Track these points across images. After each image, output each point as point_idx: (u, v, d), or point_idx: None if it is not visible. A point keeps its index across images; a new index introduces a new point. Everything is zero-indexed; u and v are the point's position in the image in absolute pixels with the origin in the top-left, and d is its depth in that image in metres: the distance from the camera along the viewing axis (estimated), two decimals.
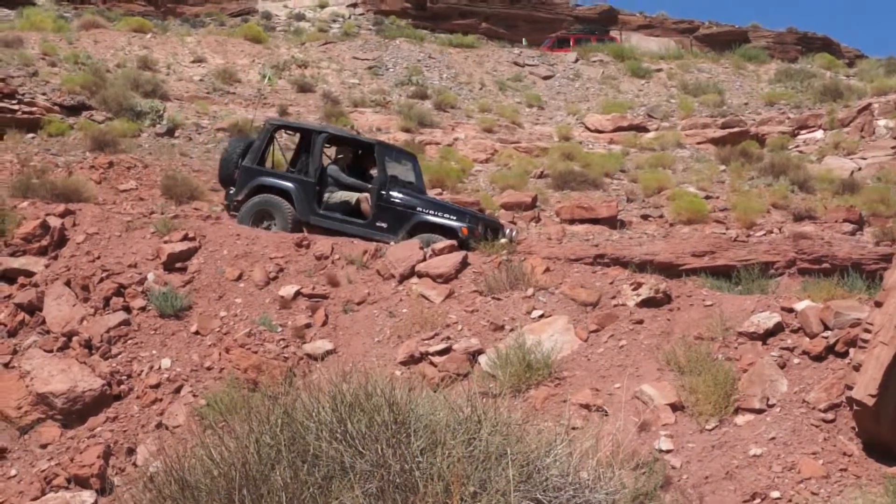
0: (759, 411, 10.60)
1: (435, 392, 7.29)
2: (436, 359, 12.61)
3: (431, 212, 16.53)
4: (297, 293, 14.41)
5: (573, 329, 12.67)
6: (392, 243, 15.55)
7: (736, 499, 9.55)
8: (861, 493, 9.25)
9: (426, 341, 12.92)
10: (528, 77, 39.14)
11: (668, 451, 10.27)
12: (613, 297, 13.15)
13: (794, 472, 9.68)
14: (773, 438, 10.17)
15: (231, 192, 17.28)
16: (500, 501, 5.49)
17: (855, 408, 9.71)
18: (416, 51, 39.81)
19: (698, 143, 32.66)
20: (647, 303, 12.83)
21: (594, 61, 41.33)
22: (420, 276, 14.42)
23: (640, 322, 12.51)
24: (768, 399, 10.68)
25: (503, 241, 16.37)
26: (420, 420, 6.09)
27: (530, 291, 13.57)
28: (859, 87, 36.70)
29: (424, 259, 14.64)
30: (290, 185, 16.88)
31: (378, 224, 16.38)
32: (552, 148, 30.40)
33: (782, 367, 11.07)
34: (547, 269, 14.05)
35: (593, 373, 11.82)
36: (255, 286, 14.66)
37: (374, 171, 17.49)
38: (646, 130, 33.88)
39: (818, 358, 11.06)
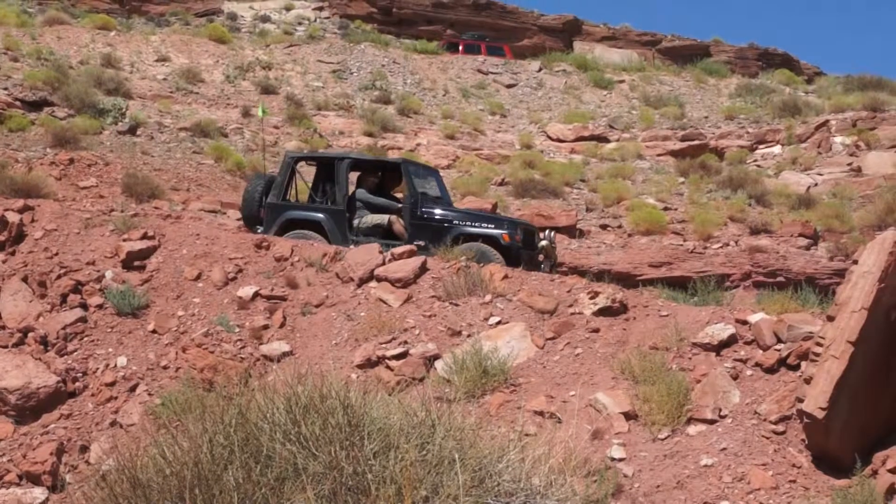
0: (712, 422, 10.70)
1: (390, 396, 7.32)
2: (392, 363, 12.63)
3: (469, 223, 16.30)
4: (256, 294, 14.40)
5: (530, 336, 12.73)
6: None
7: None
8: None
9: (383, 345, 12.95)
10: (492, 85, 39.27)
11: (621, 460, 10.35)
12: (570, 306, 13.22)
13: (744, 483, 9.78)
14: (725, 449, 10.27)
15: (259, 230, 16.86)
16: None
17: (805, 420, 9.83)
18: (380, 56, 39.84)
19: (658, 155, 32.91)
20: (603, 312, 12.91)
21: (557, 71, 41.50)
22: (379, 280, 14.43)
23: (597, 331, 12.59)
24: (720, 410, 10.79)
25: (543, 243, 16.47)
26: (374, 423, 6.11)
27: (488, 298, 13.62)
28: (817, 104, 37.05)
29: (383, 263, 14.66)
30: (320, 215, 16.60)
31: (416, 242, 15.79)
32: (513, 156, 30.55)
33: (735, 378, 11.18)
34: (505, 276, 14.11)
35: (548, 380, 11.89)
36: (213, 286, 14.64)
37: (396, 192, 17.47)
38: (607, 141, 34.08)
39: (770, 370, 11.18)
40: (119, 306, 14.07)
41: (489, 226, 16.23)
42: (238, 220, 18.90)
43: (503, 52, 44.17)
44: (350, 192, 16.93)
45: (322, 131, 29.87)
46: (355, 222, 16.56)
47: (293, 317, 14.10)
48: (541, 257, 16.65)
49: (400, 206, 16.64)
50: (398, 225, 16.41)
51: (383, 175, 17.39)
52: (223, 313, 14.01)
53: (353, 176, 17.54)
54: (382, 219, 16.56)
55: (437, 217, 16.31)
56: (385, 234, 16.39)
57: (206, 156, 25.25)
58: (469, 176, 27.46)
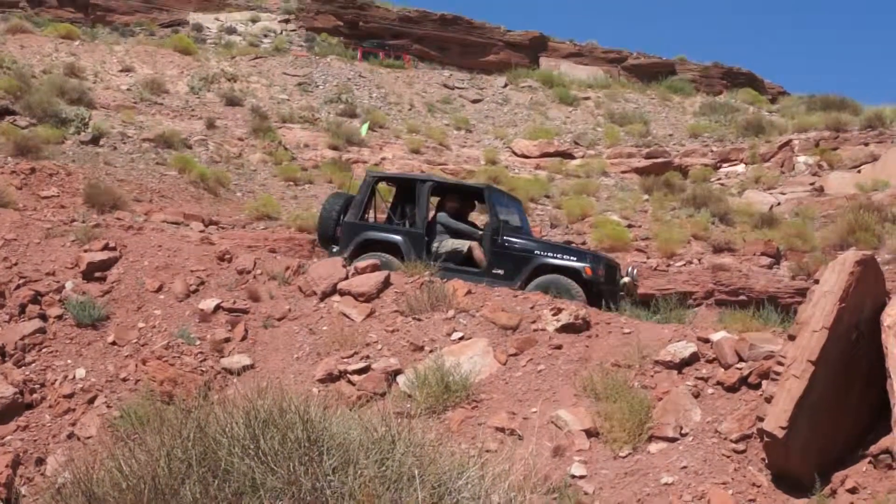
0: (673, 440, 10.71)
1: (351, 411, 7.27)
2: (354, 377, 12.58)
3: (551, 254, 15.72)
4: (218, 307, 14.31)
5: (492, 352, 12.70)
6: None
7: None
8: None
9: (345, 360, 12.89)
10: (458, 100, 39.36)
11: (582, 477, 10.33)
12: (534, 322, 13.20)
13: (704, 502, 9.78)
14: (685, 467, 10.27)
15: (334, 250, 16.51)
16: None
17: (766, 439, 9.84)
18: (346, 69, 39.83)
19: (623, 172, 33.08)
20: (566, 328, 12.90)
21: (523, 87, 41.63)
22: (342, 294, 14.38)
23: (559, 347, 12.58)
24: (682, 428, 10.79)
25: (625, 280, 16.03)
26: (334, 438, 6.07)
27: (451, 313, 13.59)
28: (781, 124, 37.35)
29: (347, 277, 14.60)
30: (398, 238, 16.15)
31: (495, 271, 15.54)
32: (479, 171, 30.57)
33: (696, 396, 11.19)
34: (468, 292, 14.08)
35: (510, 396, 11.86)
36: (175, 298, 14.53)
37: (472, 217, 17.18)
38: (572, 157, 34.21)
39: (732, 389, 11.19)
40: (79, 317, 13.94)
41: (571, 258, 15.66)
42: (201, 231, 18.77)
43: (402, 58, 44.11)
44: (430, 216, 16.55)
45: (287, 144, 29.78)
46: (434, 246, 16.06)
47: (255, 330, 14.02)
48: (622, 293, 16.15)
49: (480, 232, 16.22)
50: (478, 251, 15.95)
51: (464, 200, 17.00)
52: (184, 326, 13.91)
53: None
54: (462, 244, 16.11)
55: (517, 246, 15.78)
56: (464, 261, 16.01)
57: (169, 167, 25.12)
58: None
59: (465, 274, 15.28)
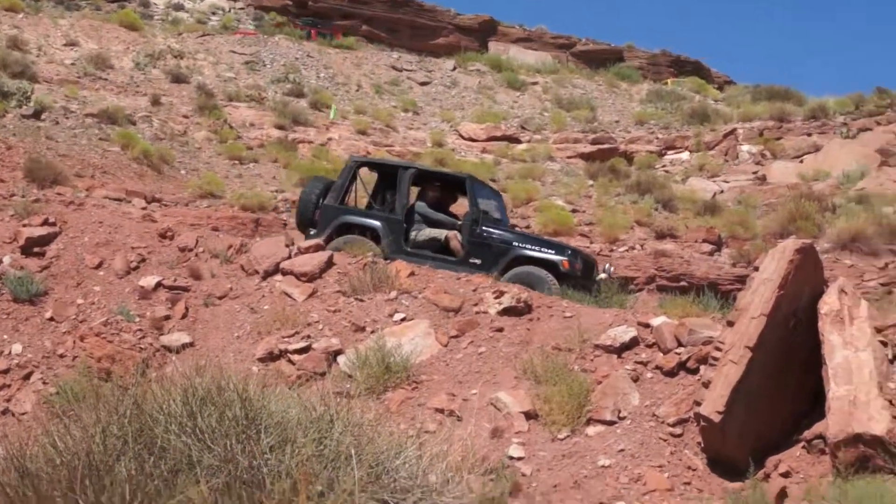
0: (611, 423, 10.78)
1: (291, 390, 7.25)
2: (295, 357, 12.55)
3: (528, 246, 15.67)
4: (158, 284, 14.20)
5: (434, 334, 12.72)
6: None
7: None
8: None
9: (286, 339, 12.86)
10: (406, 82, 39.28)
11: (520, 459, 10.37)
12: (476, 305, 13.23)
13: (640, 484, 9.86)
14: (623, 450, 10.34)
15: (312, 233, 16.33)
16: (347, 501, 5.48)
17: (702, 423, 9.93)
18: (294, 48, 39.60)
19: (568, 157, 33.18)
20: (508, 311, 12.94)
21: (472, 70, 41.61)
22: (284, 273, 14.32)
23: (501, 330, 12.62)
24: (620, 411, 10.87)
25: (602, 276, 15.95)
26: (272, 417, 6.05)
27: (394, 294, 13.59)
28: (726, 112, 37.64)
29: (289, 257, 14.55)
30: (376, 223, 16.05)
31: (472, 261, 15.42)
32: (425, 153, 30.54)
33: (635, 380, 11.27)
34: (412, 274, 14.08)
35: (451, 378, 11.89)
36: (115, 275, 14.41)
37: (453, 208, 17.05)
38: (518, 142, 34.27)
39: (670, 373, 11.28)
40: (16, 293, 13.77)
41: (549, 251, 15.59)
42: (143, 208, 18.61)
43: (332, 37, 43.72)
44: (410, 203, 16.41)
45: (232, 122, 29.59)
46: (412, 234, 16.05)
47: (196, 308, 13.94)
48: (598, 290, 15.86)
49: (459, 222, 16.12)
50: (455, 241, 15.85)
51: (445, 189, 16.90)
52: (124, 303, 13.80)
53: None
54: (440, 233, 16.06)
55: (495, 237, 15.73)
56: (441, 250, 15.94)
57: (112, 143, 24.86)
58: None
59: (441, 263, 15.22)
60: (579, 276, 15.25)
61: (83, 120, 26.20)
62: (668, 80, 47.41)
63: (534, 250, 15.53)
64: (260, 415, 6.10)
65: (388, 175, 16.86)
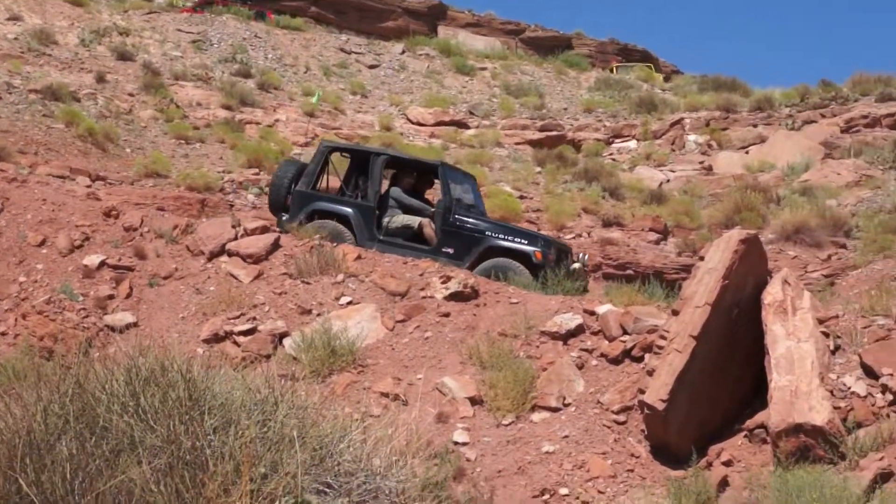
0: (555, 409, 10.84)
1: (235, 371, 7.21)
2: (240, 338, 12.52)
3: (502, 235, 15.39)
4: (103, 263, 14.07)
5: (380, 318, 12.72)
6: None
7: (526, 493, 9.74)
8: (645, 493, 9.54)
9: (231, 320, 12.81)
10: (354, 64, 39.08)
11: (464, 444, 10.41)
12: (423, 289, 13.24)
13: (584, 471, 9.93)
14: (567, 437, 10.40)
15: (284, 218, 16.05)
16: (290, 484, 5.46)
17: (646, 411, 10.01)
18: (242, 28, 39.26)
19: (516, 144, 33.20)
20: (455, 296, 12.96)
21: (420, 55, 41.52)
22: (230, 254, 14.26)
23: (447, 315, 12.64)
24: (565, 398, 10.93)
25: (575, 265, 15.61)
26: (216, 398, 6.00)
27: (340, 278, 13.57)
28: (673, 102, 37.79)
29: (236, 238, 14.48)
30: (348, 209, 15.81)
31: (444, 249, 15.16)
32: (373, 137, 30.45)
33: (580, 367, 11.33)
34: (359, 257, 14.06)
35: (397, 362, 11.90)
36: (58, 253, 14.25)
37: (429, 194, 16.87)
38: (466, 127, 34.23)
39: (615, 361, 11.36)
40: None
41: (522, 241, 15.34)
42: (87, 186, 18.40)
43: (265, 17, 43.08)
44: (383, 190, 16.20)
45: (179, 101, 29.32)
46: (384, 221, 15.75)
47: (140, 288, 13.83)
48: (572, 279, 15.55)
49: (433, 209, 15.80)
50: (428, 229, 15.57)
51: (420, 176, 16.67)
52: (67, 281, 13.65)
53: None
54: (413, 220, 15.78)
55: (468, 226, 15.44)
56: (413, 237, 15.70)
57: (56, 120, 24.52)
58: None
59: (413, 251, 15.06)
60: (553, 267, 14.85)
61: (27, 96, 25.81)
62: (614, 66, 47.59)
63: (507, 240, 15.28)
64: (204, 396, 6.05)
65: (360, 161, 16.62)
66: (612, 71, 46.05)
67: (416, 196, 16.38)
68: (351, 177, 16.66)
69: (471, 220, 15.60)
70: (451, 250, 15.14)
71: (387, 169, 16.43)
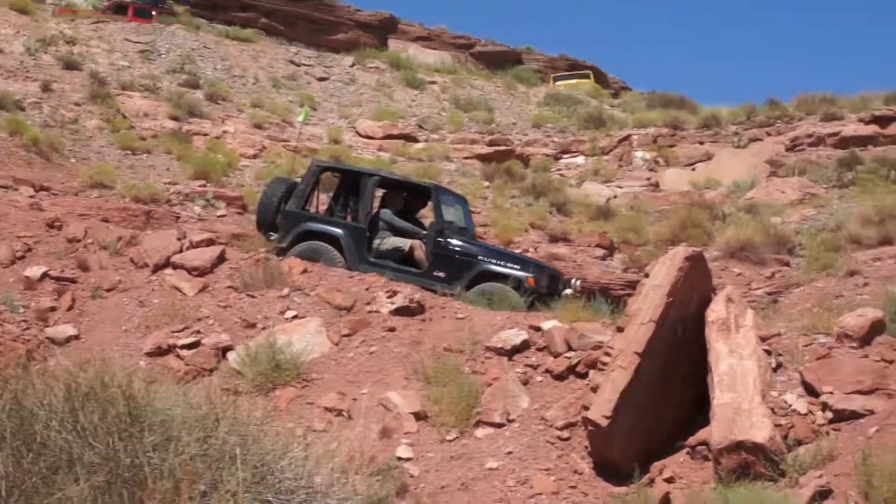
0: (500, 425, 10.84)
1: (179, 385, 7.16)
2: (183, 352, 12.42)
3: (494, 260, 15.25)
4: (45, 275, 13.91)
5: (325, 332, 12.68)
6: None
7: None
8: None
9: (175, 334, 12.72)
10: (304, 77, 38.99)
11: (408, 459, 10.38)
12: (368, 303, 13.21)
13: (527, 487, 9.93)
14: (510, 453, 10.41)
15: (272, 237, 15.95)
16: (230, 501, 5.42)
17: (589, 428, 10.03)
18: (191, 39, 39.01)
19: (465, 158, 33.25)
20: (401, 311, 12.95)
21: (370, 67, 41.51)
22: (175, 267, 14.16)
23: (393, 330, 12.62)
24: (509, 414, 10.94)
25: (567, 291, 15.19)
26: (156, 415, 5.95)
27: (286, 291, 13.51)
28: (621, 118, 38.02)
29: (181, 250, 14.38)
30: (339, 231, 15.59)
31: (435, 273, 15.00)
32: (321, 149, 30.38)
33: (525, 383, 11.35)
34: (305, 271, 14.01)
35: (342, 377, 11.86)
36: None
37: (419, 215, 16.70)
38: (415, 140, 34.25)
39: (560, 377, 11.39)
40: None
41: (515, 266, 15.17)
42: (31, 196, 18.19)
43: (150, 15, 42.42)
44: (373, 211, 16.03)
45: (126, 112, 29.09)
46: (375, 243, 15.61)
47: (83, 300, 13.69)
48: None
49: (424, 232, 15.72)
50: (419, 252, 15.45)
51: (411, 197, 16.53)
52: (8, 293, 13.47)
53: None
54: (404, 243, 15.62)
55: (460, 250, 15.29)
56: (404, 260, 15.54)
57: (0, 129, 24.27)
58: (275, 167, 27.18)
59: (404, 274, 14.89)
60: (545, 293, 14.70)
61: None
62: (551, 77, 47.69)
63: (499, 265, 15.15)
64: (144, 412, 6.00)
65: (351, 181, 16.43)
66: (552, 83, 46.24)
67: (407, 218, 16.21)
68: (340, 197, 16.46)
69: (463, 244, 15.47)
70: (442, 274, 14.98)
71: (377, 189, 16.24)
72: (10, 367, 11.11)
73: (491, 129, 36.10)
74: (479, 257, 15.28)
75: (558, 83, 46.46)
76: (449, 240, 15.33)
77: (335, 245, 15.42)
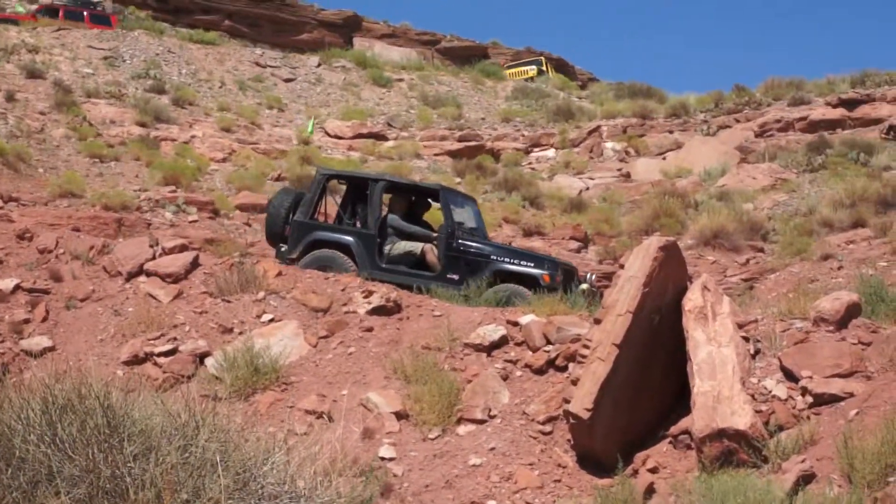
0: (481, 422, 10.83)
1: (157, 393, 7.11)
2: (161, 360, 12.35)
3: (508, 259, 15.06)
4: (17, 287, 13.80)
5: (303, 334, 12.63)
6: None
7: None
8: (572, 503, 9.56)
9: (152, 341, 12.64)
10: (270, 78, 38.84)
11: (391, 459, 10.36)
12: (345, 304, 13.17)
13: (511, 482, 9.93)
14: (493, 449, 10.40)
15: (282, 249, 15.72)
16: None
17: (571, 421, 10.03)
18: (155, 44, 38.78)
19: (435, 155, 33.27)
20: (377, 311, 12.91)
21: (336, 67, 41.40)
22: (149, 274, 14.07)
23: (370, 330, 12.58)
24: (490, 410, 10.93)
25: (583, 286, 14.99)
26: (136, 424, 5.90)
27: (261, 295, 13.45)
28: (590, 110, 38.12)
29: (154, 257, 14.29)
30: (349, 238, 15.36)
31: (449, 276, 14.79)
32: (291, 151, 30.33)
33: (505, 378, 11.34)
34: (279, 273, 13.95)
35: (321, 379, 11.82)
36: None
37: (426, 217, 16.43)
38: (385, 139, 34.22)
39: (539, 371, 11.39)
40: None
41: (529, 264, 15.00)
42: (20, 208, 18.06)
43: (109, 22, 42.12)
44: (382, 216, 15.76)
45: (92, 119, 28.91)
46: (386, 248, 15.38)
47: (57, 311, 13.59)
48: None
49: (435, 235, 15.51)
50: (431, 255, 15.26)
51: (418, 200, 16.29)
52: None
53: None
54: (416, 247, 15.42)
55: (473, 250, 15.11)
56: (416, 264, 15.35)
57: None
58: (245, 170, 27.11)
59: (417, 278, 14.77)
60: (560, 290, 14.35)
61: None
62: (507, 70, 47.69)
63: (513, 264, 14.98)
64: (123, 423, 5.95)
65: (357, 187, 16.27)
66: (510, 74, 46.35)
67: (414, 221, 16.04)
68: (348, 204, 16.30)
69: (475, 244, 15.33)
70: (456, 276, 14.81)
71: (385, 195, 16.05)
72: None
73: (460, 124, 36.12)
74: (493, 256, 15.10)
75: (508, 70, 46.64)
76: (460, 241, 15.16)
77: (347, 253, 15.26)
